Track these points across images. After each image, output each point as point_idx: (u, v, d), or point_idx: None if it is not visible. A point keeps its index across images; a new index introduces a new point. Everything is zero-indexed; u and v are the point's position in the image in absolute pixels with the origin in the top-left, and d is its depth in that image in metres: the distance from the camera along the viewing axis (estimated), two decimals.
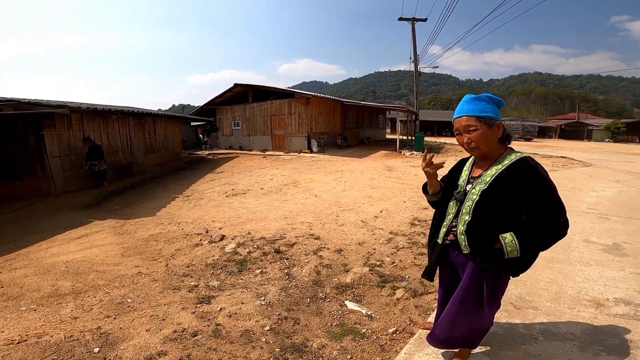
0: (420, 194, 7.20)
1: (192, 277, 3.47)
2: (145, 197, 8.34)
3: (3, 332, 2.55)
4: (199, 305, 2.87)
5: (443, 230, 1.81)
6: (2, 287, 3.42)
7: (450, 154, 16.70)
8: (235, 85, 18.28)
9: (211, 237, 4.67)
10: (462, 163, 1.88)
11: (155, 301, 2.99)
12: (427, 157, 1.72)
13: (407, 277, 3.32)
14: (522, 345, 2.14)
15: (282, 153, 16.29)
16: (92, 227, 5.70)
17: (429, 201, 1.94)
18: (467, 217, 1.67)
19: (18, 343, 2.38)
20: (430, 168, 1.73)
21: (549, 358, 2.01)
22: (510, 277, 1.74)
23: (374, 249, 4.08)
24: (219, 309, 2.80)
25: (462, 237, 1.67)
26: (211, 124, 21.85)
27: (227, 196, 7.65)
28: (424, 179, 1.90)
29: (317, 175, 9.97)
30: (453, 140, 28.99)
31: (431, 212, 6.23)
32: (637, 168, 12.17)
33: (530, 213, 1.56)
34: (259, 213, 6.00)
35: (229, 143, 19.91)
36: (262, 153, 16.54)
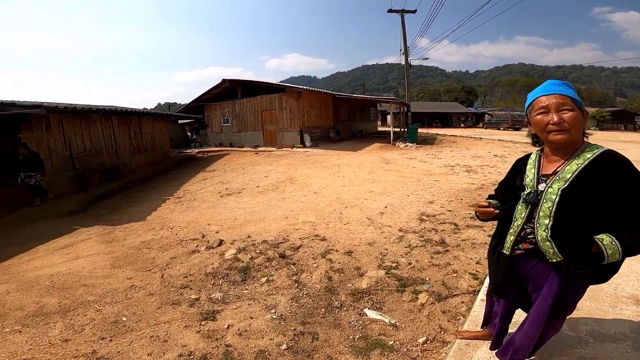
0: (423, 186, 7.07)
1: (191, 288, 3.16)
2: (135, 200, 7.92)
3: None
4: (203, 323, 2.56)
5: (510, 238, 1.56)
6: None
7: (445, 145, 16.59)
8: (224, 80, 17.76)
9: (208, 242, 4.35)
10: (521, 162, 1.65)
11: (153, 319, 2.67)
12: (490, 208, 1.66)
13: (427, 279, 3.07)
14: (573, 349, 1.99)
15: (274, 148, 15.90)
16: (78, 235, 5.30)
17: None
18: (547, 221, 1.42)
19: None
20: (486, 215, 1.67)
21: None
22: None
23: (386, 249, 3.82)
24: (226, 326, 2.51)
25: (548, 243, 1.43)
26: (199, 121, 21.27)
27: (221, 196, 7.30)
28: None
29: (314, 171, 9.67)
30: (444, 131, 28.95)
31: (438, 206, 5.91)
32: (634, 155, 12.23)
33: (626, 212, 1.34)
34: (257, 213, 5.68)
35: (219, 140, 19.41)
36: (254, 149, 16.13)
